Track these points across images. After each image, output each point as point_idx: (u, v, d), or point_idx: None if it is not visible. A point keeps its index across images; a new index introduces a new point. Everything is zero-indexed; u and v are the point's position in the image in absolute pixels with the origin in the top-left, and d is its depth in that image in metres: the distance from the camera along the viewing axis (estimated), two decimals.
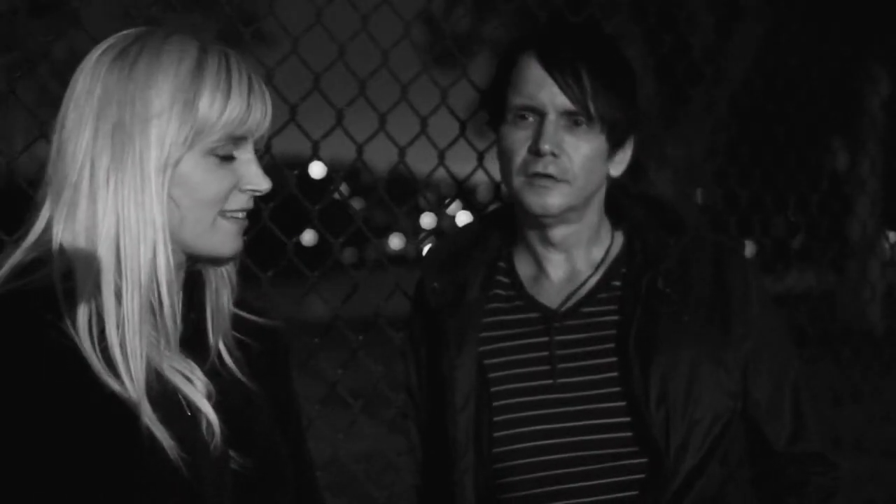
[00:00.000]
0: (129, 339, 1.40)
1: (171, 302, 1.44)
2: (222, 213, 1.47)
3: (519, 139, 1.81)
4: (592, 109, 1.78)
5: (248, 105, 1.46)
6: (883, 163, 10.45)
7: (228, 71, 1.45)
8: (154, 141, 1.41)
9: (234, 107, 1.44)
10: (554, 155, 1.78)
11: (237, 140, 1.46)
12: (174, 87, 1.42)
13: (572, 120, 1.79)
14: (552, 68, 1.78)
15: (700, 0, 6.72)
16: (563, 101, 1.78)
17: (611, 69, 1.81)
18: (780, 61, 5.24)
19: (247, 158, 1.48)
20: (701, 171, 7.18)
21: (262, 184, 1.49)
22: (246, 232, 1.55)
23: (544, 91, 1.78)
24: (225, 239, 1.49)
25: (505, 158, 1.84)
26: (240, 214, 1.50)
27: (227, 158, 1.46)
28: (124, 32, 1.48)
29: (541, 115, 1.79)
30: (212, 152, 1.45)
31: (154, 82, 1.42)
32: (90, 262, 1.41)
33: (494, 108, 1.87)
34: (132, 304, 1.41)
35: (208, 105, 1.43)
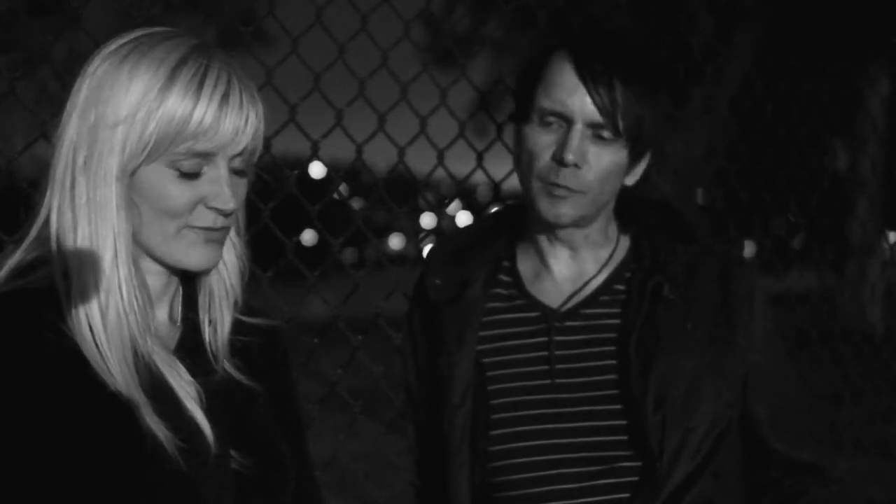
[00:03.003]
0: (112, 337, 1.41)
1: (135, 303, 1.43)
2: (188, 227, 1.45)
3: (543, 143, 1.78)
4: (621, 125, 1.75)
5: (216, 120, 1.41)
6: (883, 163, 10.44)
7: (201, 83, 1.41)
8: (117, 146, 1.40)
9: (197, 121, 1.40)
10: (576, 166, 1.76)
11: (204, 156, 1.42)
12: (142, 94, 1.40)
13: (598, 131, 1.76)
14: (586, 77, 1.75)
15: (700, 0, 6.71)
16: (592, 112, 1.75)
17: (644, 83, 1.78)
18: (780, 61, 5.24)
19: (214, 175, 1.43)
20: (701, 171, 7.18)
21: (226, 205, 1.44)
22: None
23: (575, 99, 1.75)
24: (189, 250, 1.46)
25: (525, 159, 1.82)
26: (208, 231, 1.46)
27: (192, 174, 1.42)
28: (128, 33, 1.48)
29: (568, 122, 1.76)
30: (174, 165, 1.41)
31: (127, 87, 1.40)
32: (81, 261, 1.42)
33: (521, 105, 1.84)
34: (108, 303, 1.41)
35: (169, 117, 1.39)
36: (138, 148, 1.40)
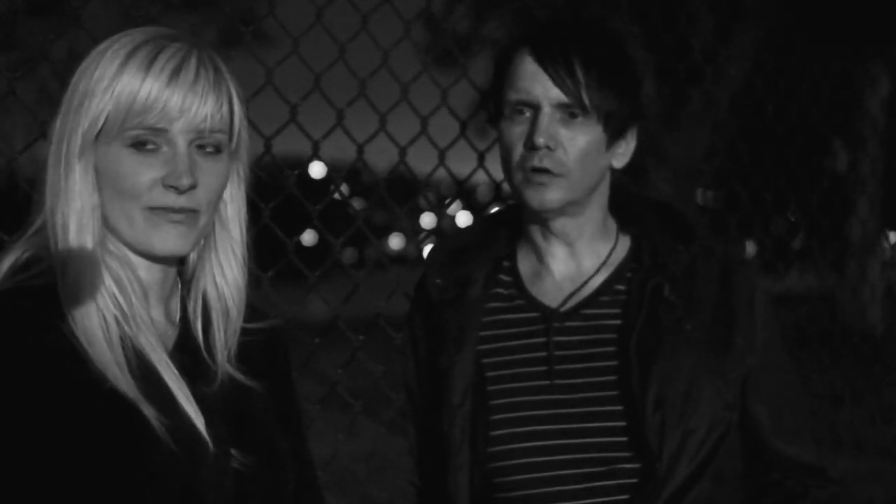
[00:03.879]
0: (103, 333, 1.41)
1: (120, 296, 1.44)
2: (149, 208, 1.44)
3: (516, 134, 1.80)
4: (587, 101, 1.76)
5: (163, 94, 1.41)
6: (883, 163, 10.46)
7: (153, 60, 1.42)
8: (79, 127, 1.43)
9: (144, 96, 1.41)
10: (549, 148, 1.77)
11: (156, 130, 1.43)
12: (101, 73, 1.43)
13: (567, 112, 1.78)
14: (544, 62, 1.78)
15: (701, 0, 6.71)
16: (556, 94, 1.77)
17: (606, 59, 1.80)
18: (780, 61, 5.23)
19: (171, 154, 1.43)
20: (701, 171, 7.18)
21: (179, 180, 1.43)
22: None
23: (537, 84, 1.78)
24: (153, 233, 1.45)
25: (504, 154, 1.84)
26: (168, 212, 1.44)
27: (147, 149, 1.43)
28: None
29: (536, 108, 1.78)
30: (128, 142, 1.43)
31: (92, 72, 1.43)
32: (67, 253, 1.42)
33: (494, 106, 1.86)
34: (96, 298, 1.42)
35: (119, 93, 1.41)
36: (93, 122, 1.42)
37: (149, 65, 1.42)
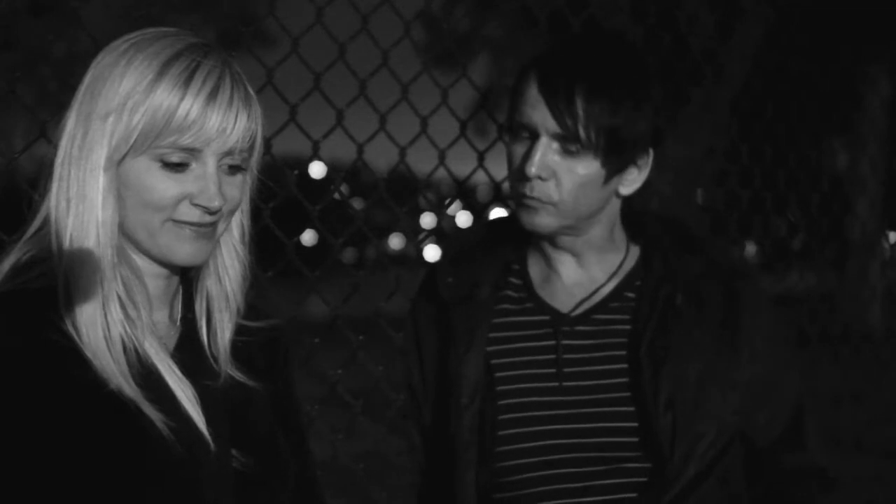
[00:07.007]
0: (105, 335, 1.41)
1: (127, 298, 1.44)
2: (173, 221, 1.44)
3: (516, 156, 1.81)
4: (583, 136, 1.73)
5: (202, 115, 1.40)
6: (883, 163, 10.45)
7: (190, 78, 1.41)
8: (105, 137, 1.41)
9: (182, 115, 1.40)
10: (541, 178, 1.76)
11: (190, 151, 1.42)
12: (132, 86, 1.41)
13: (565, 144, 1.75)
14: (546, 91, 1.75)
15: (700, 0, 6.70)
16: (553, 126, 1.74)
17: (614, 89, 1.74)
18: (780, 61, 5.24)
19: (201, 172, 1.43)
20: (701, 171, 7.17)
21: (211, 202, 1.43)
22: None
23: (537, 113, 1.76)
24: (175, 244, 1.45)
25: (508, 172, 1.85)
26: (193, 226, 1.45)
27: (178, 168, 1.42)
28: (137, 31, 1.48)
29: (534, 135, 1.77)
30: (159, 158, 1.42)
31: (120, 80, 1.41)
32: (72, 256, 1.42)
33: (507, 120, 1.86)
34: (100, 300, 1.41)
35: (155, 109, 1.40)
36: (124, 139, 1.41)
37: (186, 82, 1.40)
